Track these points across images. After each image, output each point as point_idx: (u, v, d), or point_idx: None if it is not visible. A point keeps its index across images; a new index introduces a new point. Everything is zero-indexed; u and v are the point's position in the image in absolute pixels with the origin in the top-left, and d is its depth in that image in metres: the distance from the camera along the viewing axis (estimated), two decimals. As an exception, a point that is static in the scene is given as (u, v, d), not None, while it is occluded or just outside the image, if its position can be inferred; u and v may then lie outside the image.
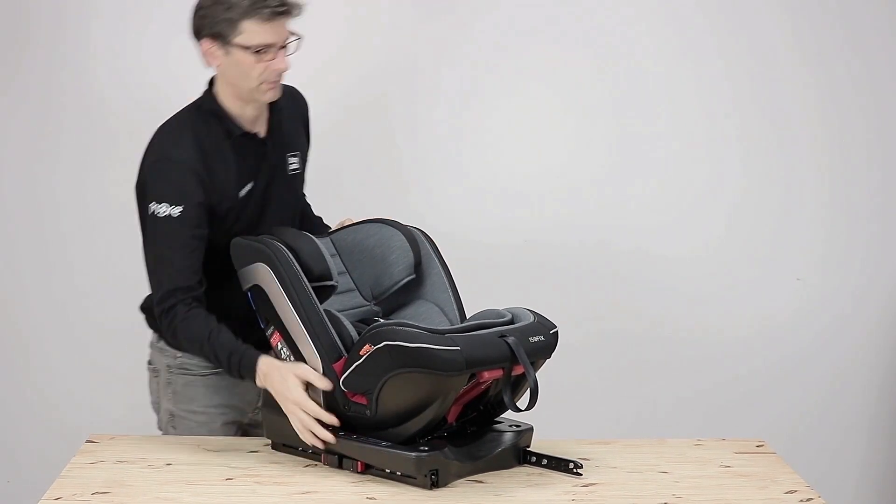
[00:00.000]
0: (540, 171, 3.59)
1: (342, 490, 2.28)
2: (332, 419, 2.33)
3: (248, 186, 2.53)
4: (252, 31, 2.37)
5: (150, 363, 2.71)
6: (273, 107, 2.55)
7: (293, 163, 2.62)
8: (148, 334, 2.67)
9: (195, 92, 2.56)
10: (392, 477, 2.30)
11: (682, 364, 3.67)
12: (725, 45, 3.55)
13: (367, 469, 2.34)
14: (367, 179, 3.54)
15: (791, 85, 3.57)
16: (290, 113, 2.63)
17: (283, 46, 2.41)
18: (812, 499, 2.27)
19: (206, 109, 2.51)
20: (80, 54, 3.49)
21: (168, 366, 2.65)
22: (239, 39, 2.39)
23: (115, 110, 3.49)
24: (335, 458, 2.37)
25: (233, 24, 2.37)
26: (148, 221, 2.45)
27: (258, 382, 2.41)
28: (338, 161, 3.45)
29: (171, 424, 2.67)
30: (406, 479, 2.29)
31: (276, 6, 2.35)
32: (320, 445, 2.35)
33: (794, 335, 3.67)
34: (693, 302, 3.65)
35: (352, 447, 2.34)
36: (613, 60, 3.55)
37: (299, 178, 2.67)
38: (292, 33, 2.44)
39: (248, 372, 2.40)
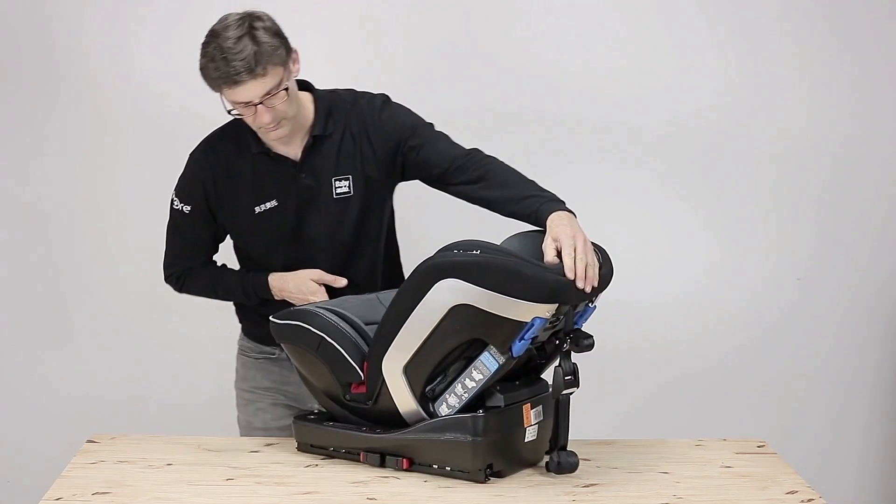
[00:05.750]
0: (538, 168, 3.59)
1: (342, 490, 2.28)
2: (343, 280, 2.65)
3: (269, 204, 2.67)
4: (226, 95, 2.51)
5: None
6: (313, 132, 2.65)
7: (341, 186, 2.67)
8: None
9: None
10: (442, 473, 2.32)
11: (682, 364, 3.67)
12: (724, 45, 3.55)
13: (413, 466, 2.36)
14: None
15: (791, 84, 3.57)
16: (346, 135, 2.67)
17: (261, 102, 2.50)
18: (813, 499, 2.27)
19: (236, 126, 2.65)
20: (79, 55, 3.50)
21: (238, 348, 2.91)
22: (224, 101, 2.55)
23: (113, 110, 3.51)
24: (377, 457, 2.38)
25: (215, 90, 2.53)
26: (171, 204, 2.73)
27: (276, 295, 2.67)
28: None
29: (237, 403, 2.91)
30: (459, 473, 2.31)
31: (234, 75, 2.45)
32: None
33: (794, 335, 3.67)
34: (693, 302, 3.65)
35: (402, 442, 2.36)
36: (608, 59, 3.56)
37: (353, 200, 2.67)
38: (278, 85, 2.50)
39: (263, 290, 2.69)
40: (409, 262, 2.44)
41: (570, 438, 2.38)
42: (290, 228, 2.68)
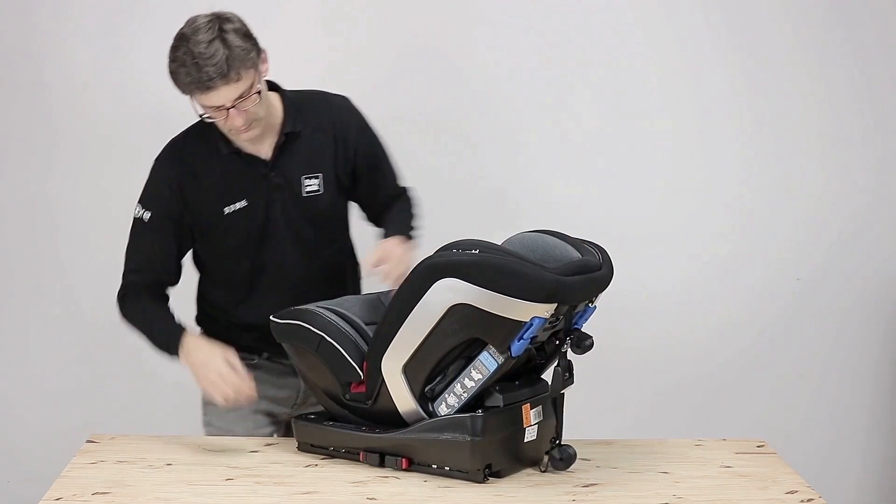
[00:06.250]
0: (540, 166, 3.60)
1: (342, 490, 2.28)
2: (252, 393, 2.50)
3: (239, 205, 2.63)
4: (197, 100, 2.49)
5: None
6: (285, 129, 2.63)
7: (310, 185, 2.67)
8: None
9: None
10: (441, 472, 2.33)
11: (682, 365, 3.66)
12: (723, 45, 3.55)
13: (413, 465, 2.36)
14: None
15: (791, 84, 3.56)
16: (317, 134, 2.67)
17: (233, 106, 2.48)
18: (813, 499, 2.27)
19: (203, 127, 2.60)
20: (71, 57, 3.49)
21: None
22: (195, 104, 2.52)
23: (105, 115, 3.51)
24: (376, 457, 2.39)
25: (186, 94, 2.50)
26: (133, 214, 2.66)
27: (182, 359, 2.55)
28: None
29: (205, 412, 2.79)
30: (457, 473, 2.31)
31: (206, 81, 2.43)
32: (230, 402, 2.48)
33: (794, 335, 3.67)
34: (694, 302, 3.65)
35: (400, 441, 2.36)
36: (609, 61, 3.55)
37: (322, 199, 2.69)
38: (250, 88, 2.49)
39: (175, 348, 2.56)
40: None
41: (571, 438, 2.39)
42: (259, 228, 2.65)
